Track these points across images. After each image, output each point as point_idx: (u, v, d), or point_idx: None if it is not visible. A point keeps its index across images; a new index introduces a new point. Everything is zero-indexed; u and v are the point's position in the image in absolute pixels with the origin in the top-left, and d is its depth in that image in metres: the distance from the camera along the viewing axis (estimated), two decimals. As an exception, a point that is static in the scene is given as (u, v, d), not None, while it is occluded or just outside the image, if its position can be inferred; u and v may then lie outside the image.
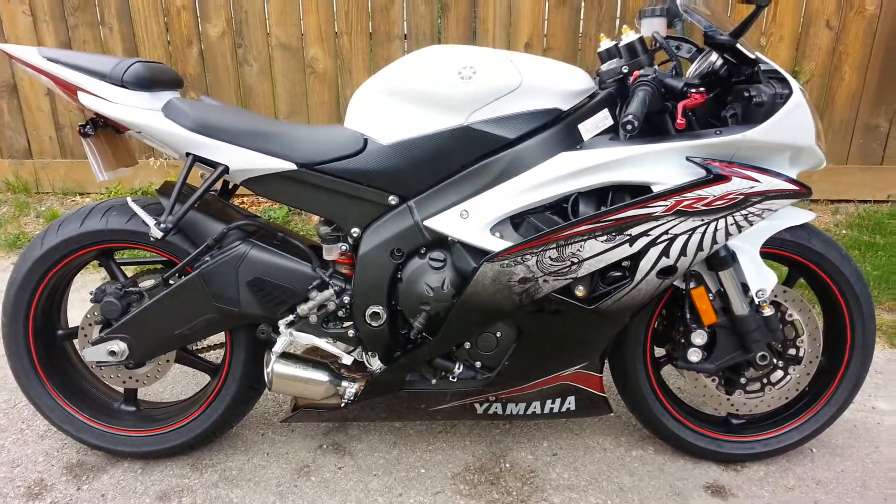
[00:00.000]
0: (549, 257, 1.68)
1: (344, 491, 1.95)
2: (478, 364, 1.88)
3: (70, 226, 1.88)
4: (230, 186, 2.02)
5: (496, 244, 1.70)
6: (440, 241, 1.77)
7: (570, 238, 1.66)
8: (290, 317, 1.84)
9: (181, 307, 1.84)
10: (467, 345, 1.85)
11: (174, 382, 2.46)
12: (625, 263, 1.73)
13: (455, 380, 1.89)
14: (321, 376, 1.87)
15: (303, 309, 1.82)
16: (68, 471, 2.02)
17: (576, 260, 1.68)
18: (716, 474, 2.01)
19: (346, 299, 1.83)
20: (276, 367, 1.84)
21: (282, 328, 1.84)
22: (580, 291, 1.75)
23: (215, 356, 2.19)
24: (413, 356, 1.85)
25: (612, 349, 1.96)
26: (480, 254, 1.72)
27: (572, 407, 1.97)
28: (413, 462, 2.07)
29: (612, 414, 2.05)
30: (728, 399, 1.97)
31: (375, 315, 1.81)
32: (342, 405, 1.91)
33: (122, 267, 2.00)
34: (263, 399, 2.32)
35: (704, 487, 1.96)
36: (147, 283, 1.91)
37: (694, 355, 1.89)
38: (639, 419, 2.08)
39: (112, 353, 1.87)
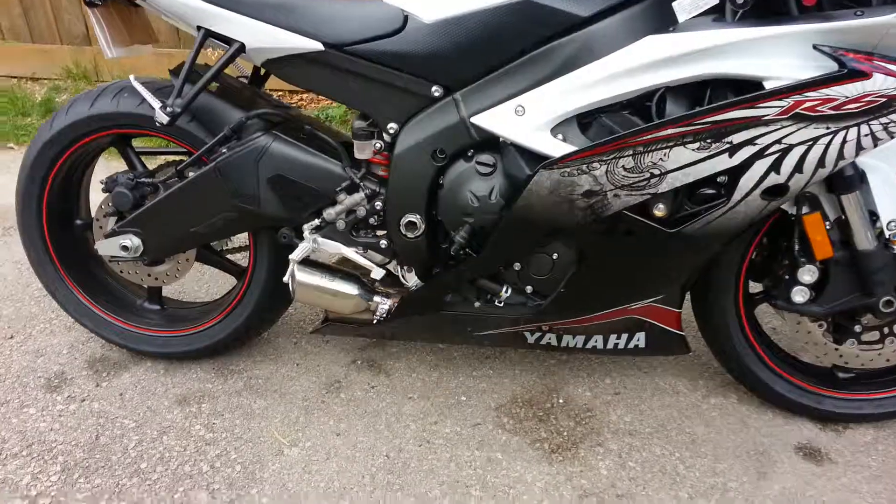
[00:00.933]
0: (623, 167, 1.35)
1: (374, 412, 1.77)
2: (528, 289, 1.60)
3: (80, 107, 1.68)
4: (262, 73, 1.76)
5: (557, 148, 1.38)
6: (490, 143, 1.46)
7: (651, 144, 1.32)
8: (316, 221, 1.60)
9: (197, 203, 1.63)
10: (517, 266, 1.57)
11: (211, 282, 2.31)
12: (720, 179, 1.38)
13: (501, 304, 1.62)
14: (350, 289, 1.64)
15: (329, 213, 1.57)
16: (90, 366, 1.93)
17: (657, 172, 1.34)
18: (811, 434, 1.70)
19: (379, 205, 1.56)
20: (299, 275, 1.62)
21: (306, 233, 1.60)
22: (660, 211, 1.41)
23: (242, 257, 2.01)
24: (454, 274, 1.59)
25: (697, 281, 1.63)
26: (537, 159, 1.40)
27: (641, 344, 1.67)
28: (454, 388, 1.85)
29: (689, 354, 1.74)
30: (836, 349, 1.62)
31: (411, 225, 1.54)
32: (374, 322, 1.69)
33: (146, 156, 1.82)
34: (300, 305, 2.14)
35: (795, 448, 1.65)
36: (166, 175, 1.71)
37: (799, 295, 1.53)
38: (722, 363, 1.77)
39: (125, 248, 1.70)
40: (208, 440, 1.69)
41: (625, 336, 1.66)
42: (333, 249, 1.60)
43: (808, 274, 1.52)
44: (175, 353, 1.89)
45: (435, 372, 1.90)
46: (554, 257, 1.54)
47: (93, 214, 1.81)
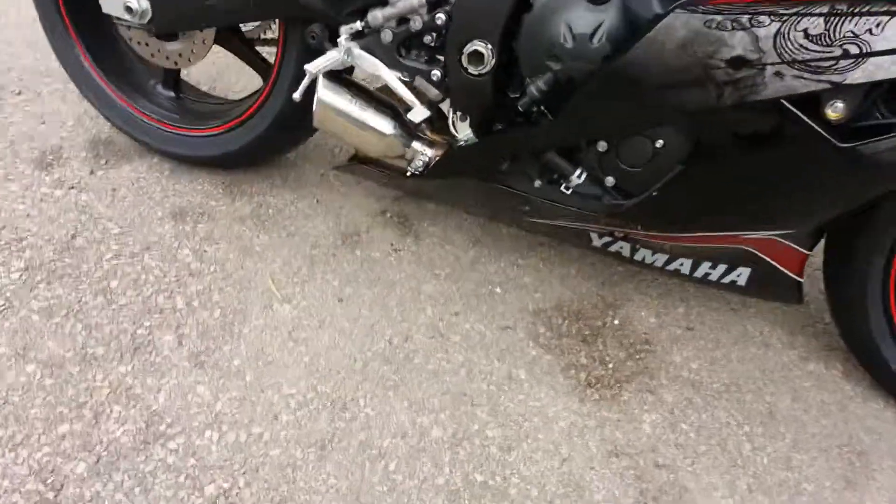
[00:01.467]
0: (805, 32, 0.88)
1: (389, 282, 1.45)
2: (609, 180, 1.18)
3: None
4: None
5: (711, -18, 0.91)
6: None
7: (861, 4, 0.84)
8: (357, 25, 1.19)
9: (211, -34, 1.25)
10: (602, 146, 1.14)
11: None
12: (946, 85, 0.91)
13: (569, 192, 1.21)
14: (384, 125, 1.26)
15: (375, 16, 1.16)
16: (91, 147, 1.66)
17: (855, 51, 0.87)
18: (927, 448, 1.30)
19: (441, 19, 1.13)
20: (322, 91, 1.24)
21: (341, 38, 1.21)
22: (836, 111, 0.95)
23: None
24: (518, 136, 1.18)
25: (848, 220, 1.18)
26: (675, -6, 0.94)
27: (740, 282, 1.26)
28: (490, 274, 1.50)
29: (799, 305, 1.33)
30: None
31: (477, 56, 1.11)
32: (408, 174, 1.32)
33: None
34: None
35: (899, 460, 1.27)
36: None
37: None
38: (839, 327, 1.35)
39: (129, 9, 1.35)
40: (193, 271, 1.42)
41: (722, 267, 1.25)
42: (370, 68, 1.20)
43: None
44: (182, 156, 1.60)
45: (473, 249, 1.55)
46: (657, 145, 1.10)
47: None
